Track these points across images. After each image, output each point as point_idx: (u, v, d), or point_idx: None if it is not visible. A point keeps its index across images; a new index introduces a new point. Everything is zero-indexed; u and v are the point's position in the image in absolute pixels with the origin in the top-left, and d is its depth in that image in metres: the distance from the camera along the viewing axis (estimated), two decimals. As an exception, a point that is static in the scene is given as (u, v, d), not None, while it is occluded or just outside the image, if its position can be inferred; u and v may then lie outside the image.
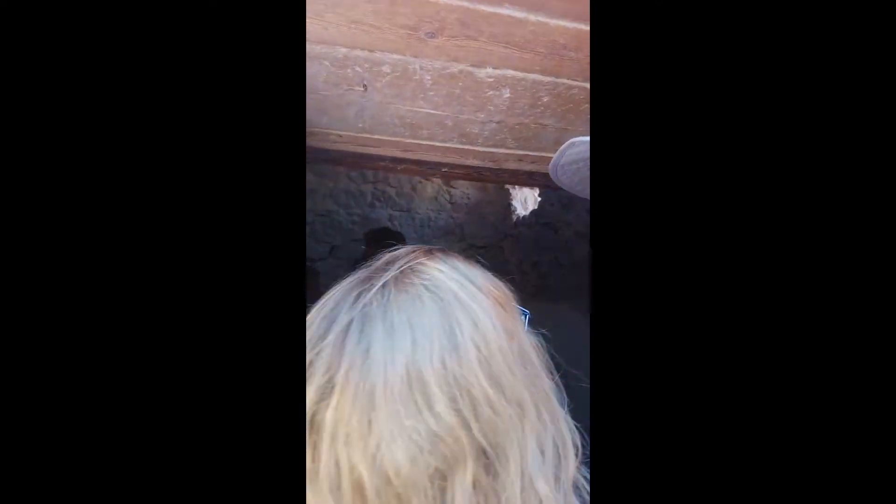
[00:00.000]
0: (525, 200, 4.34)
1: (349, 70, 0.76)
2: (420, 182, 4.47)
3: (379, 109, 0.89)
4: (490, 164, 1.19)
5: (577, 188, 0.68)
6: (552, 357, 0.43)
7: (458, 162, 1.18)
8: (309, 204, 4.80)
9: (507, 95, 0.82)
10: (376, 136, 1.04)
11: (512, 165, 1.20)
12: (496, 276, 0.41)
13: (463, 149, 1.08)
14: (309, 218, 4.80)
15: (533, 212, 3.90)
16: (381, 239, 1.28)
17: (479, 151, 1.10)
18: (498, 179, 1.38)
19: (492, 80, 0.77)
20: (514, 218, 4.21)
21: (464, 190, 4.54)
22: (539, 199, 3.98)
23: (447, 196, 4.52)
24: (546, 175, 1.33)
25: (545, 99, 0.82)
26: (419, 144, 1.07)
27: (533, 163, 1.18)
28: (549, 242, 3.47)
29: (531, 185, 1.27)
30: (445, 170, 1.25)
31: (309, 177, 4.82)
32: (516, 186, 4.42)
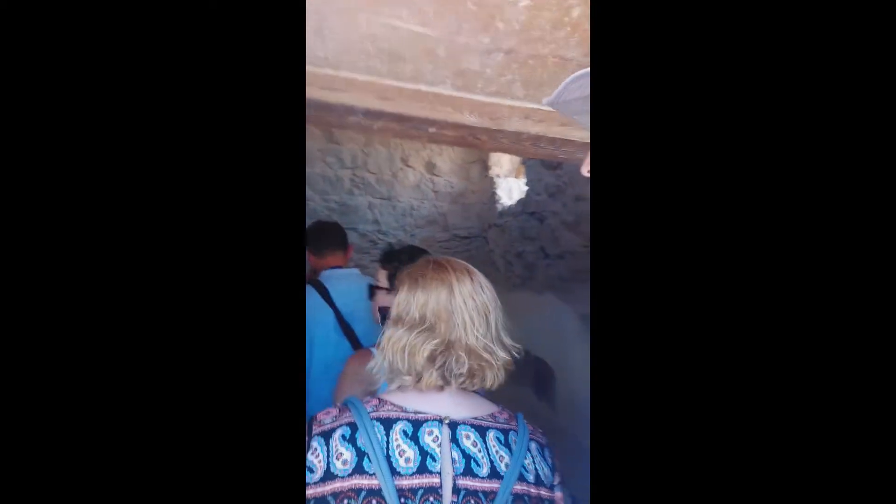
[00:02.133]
0: (510, 190, 4.17)
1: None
2: (402, 169, 4.22)
3: (347, 24, 0.65)
4: (489, 124, 0.96)
5: (585, 121, 0.58)
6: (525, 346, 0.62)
7: (449, 119, 0.94)
8: (281, 190, 4.48)
9: (525, 3, 0.59)
10: (344, 75, 0.79)
11: (515, 125, 0.97)
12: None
13: (458, 97, 0.85)
14: (281, 205, 4.48)
15: (519, 201, 3.73)
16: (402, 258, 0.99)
17: (477, 103, 0.87)
18: (496, 147, 1.16)
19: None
20: (499, 207, 4.03)
21: (447, 178, 4.32)
22: (525, 188, 3.82)
23: (430, 184, 4.29)
24: (553, 141, 1.12)
25: (576, 13, 0.60)
26: (401, 89, 0.83)
27: (541, 122, 0.96)
28: (534, 232, 3.33)
29: (535, 154, 1.04)
30: (433, 130, 1.02)
31: (281, 161, 4.49)
32: (501, 176, 4.24)
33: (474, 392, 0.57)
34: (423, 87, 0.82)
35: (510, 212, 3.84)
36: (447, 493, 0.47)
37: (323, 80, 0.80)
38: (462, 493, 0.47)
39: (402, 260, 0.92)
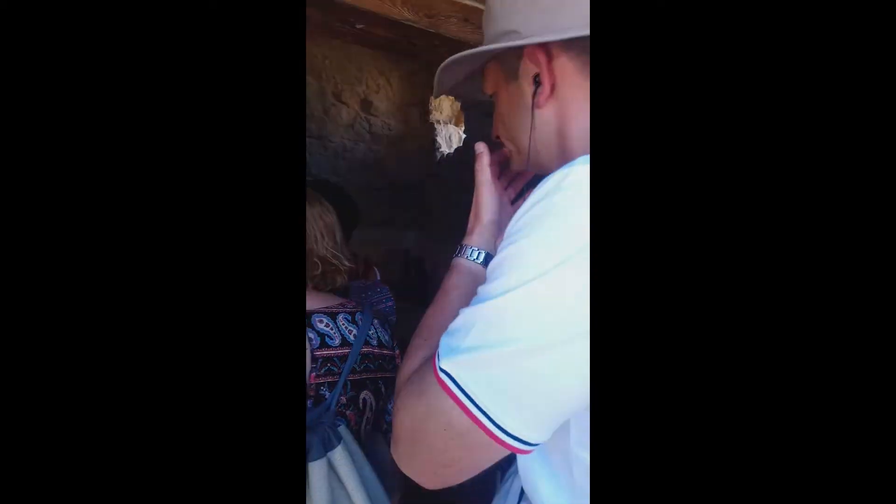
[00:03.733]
0: (449, 137, 4.06)
1: None
2: (334, 105, 3.87)
3: None
4: (425, 24, 0.86)
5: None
6: None
7: (380, 12, 0.83)
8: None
9: None
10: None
11: (454, 30, 0.89)
12: None
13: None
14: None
15: (457, 149, 3.66)
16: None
17: (411, -9, 0.77)
18: (432, 59, 1.06)
19: None
20: (438, 156, 3.93)
21: (384, 119, 4.07)
22: (464, 136, 3.75)
23: (366, 125, 4.01)
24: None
25: None
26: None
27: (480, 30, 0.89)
28: (472, 184, 3.31)
29: (458, 73, 0.94)
30: (361, 26, 0.89)
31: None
32: (441, 122, 4.10)
33: (328, 291, 0.76)
34: (349, -39, 0.70)
35: (448, 160, 3.76)
36: (308, 363, 0.65)
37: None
38: (320, 360, 0.66)
39: None
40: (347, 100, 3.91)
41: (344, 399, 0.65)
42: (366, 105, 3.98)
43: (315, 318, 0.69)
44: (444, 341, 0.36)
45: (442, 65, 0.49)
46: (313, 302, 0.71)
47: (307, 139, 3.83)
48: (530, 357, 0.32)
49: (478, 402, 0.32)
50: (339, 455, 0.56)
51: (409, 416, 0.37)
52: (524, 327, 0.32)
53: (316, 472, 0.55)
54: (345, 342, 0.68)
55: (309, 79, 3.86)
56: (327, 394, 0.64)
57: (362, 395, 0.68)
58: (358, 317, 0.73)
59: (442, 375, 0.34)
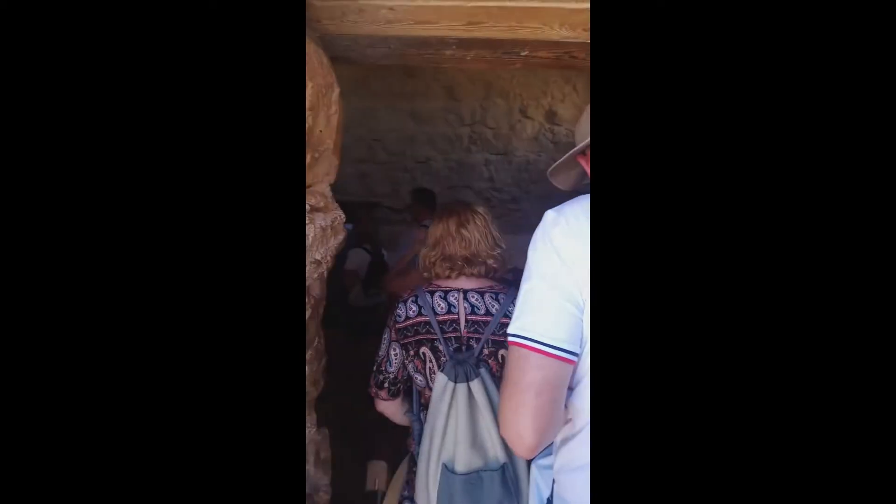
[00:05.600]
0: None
1: None
2: (520, 121, 4.10)
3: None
4: (582, 36, 0.89)
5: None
6: None
7: (540, 38, 0.91)
8: (408, 151, 4.84)
9: None
10: (433, 3, 0.84)
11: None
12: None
13: (545, 7, 0.82)
14: (409, 164, 4.86)
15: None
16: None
17: (566, 11, 0.82)
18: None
19: None
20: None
21: (568, 127, 4.04)
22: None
23: (549, 135, 4.08)
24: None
25: None
26: (488, 9, 0.84)
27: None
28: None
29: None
30: (525, 53, 0.99)
31: (409, 123, 4.82)
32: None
33: (483, 276, 1.00)
34: (509, 3, 0.81)
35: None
36: (462, 321, 0.93)
37: (414, 12, 0.86)
38: (470, 322, 0.93)
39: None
40: (533, 114, 4.08)
41: (486, 351, 0.91)
42: (550, 115, 4.05)
43: (469, 294, 0.96)
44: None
45: (549, 170, 0.81)
46: (470, 283, 0.98)
47: (492, 156, 4.17)
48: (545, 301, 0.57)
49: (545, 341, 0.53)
50: (476, 384, 0.83)
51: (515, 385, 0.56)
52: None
53: (459, 391, 0.82)
54: (488, 312, 0.93)
55: (497, 100, 4.22)
56: (475, 345, 0.91)
57: (500, 352, 0.91)
58: (501, 296, 0.96)
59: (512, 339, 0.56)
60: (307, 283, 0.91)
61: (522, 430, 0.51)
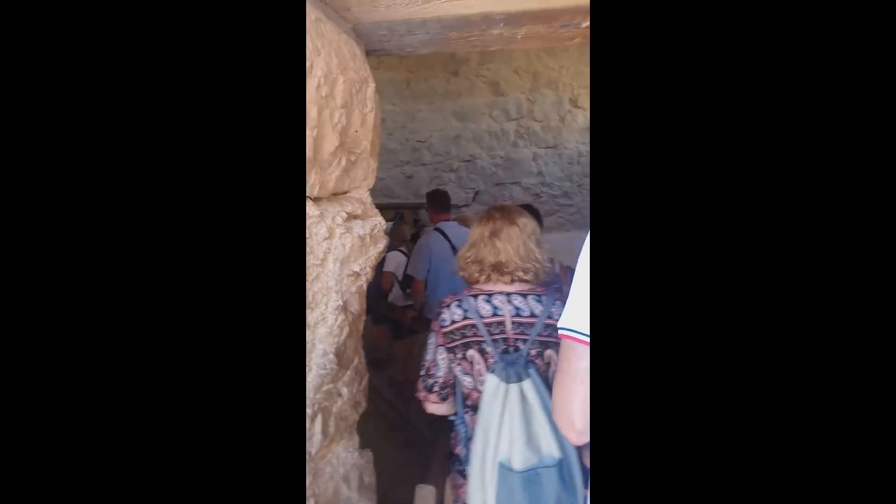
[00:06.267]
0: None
1: None
2: (570, 111, 3.85)
3: None
4: None
5: None
6: None
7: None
8: (454, 150, 4.76)
9: None
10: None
11: None
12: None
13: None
14: (454, 165, 4.78)
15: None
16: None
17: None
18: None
19: None
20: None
21: (625, 114, 3.72)
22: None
23: (603, 124, 3.79)
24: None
25: None
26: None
27: None
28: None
29: None
30: (586, 24, 0.84)
31: (453, 122, 4.74)
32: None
33: (525, 280, 1.00)
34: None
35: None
36: (508, 323, 0.94)
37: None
38: (516, 324, 0.94)
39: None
40: (584, 103, 3.81)
41: (534, 352, 0.92)
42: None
43: (512, 297, 0.96)
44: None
45: None
46: (512, 286, 0.97)
47: (541, 149, 3.95)
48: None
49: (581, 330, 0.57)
50: (527, 384, 0.85)
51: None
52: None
53: (512, 392, 0.84)
54: (532, 314, 0.95)
55: (546, 91, 4.00)
56: (522, 346, 0.91)
57: (546, 352, 0.92)
58: (543, 298, 0.97)
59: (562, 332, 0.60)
60: (344, 298, 0.83)
61: (572, 415, 0.57)
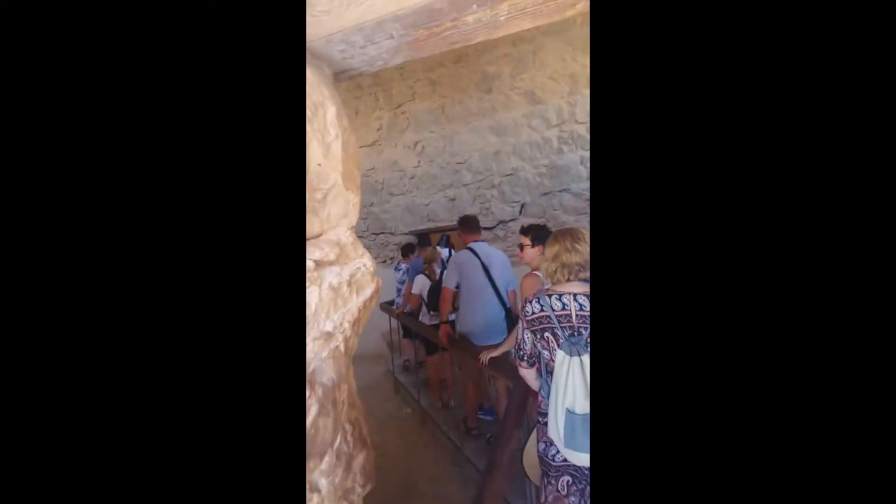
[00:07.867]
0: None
1: None
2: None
3: None
4: None
5: None
6: None
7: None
8: (494, 166, 4.60)
9: None
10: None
11: None
12: None
13: None
14: (495, 181, 4.61)
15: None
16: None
17: None
18: None
19: None
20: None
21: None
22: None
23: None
24: None
25: None
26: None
27: None
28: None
29: None
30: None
31: (491, 139, 4.60)
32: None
33: (583, 281, 1.32)
34: None
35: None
36: (574, 315, 1.25)
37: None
38: (579, 315, 1.25)
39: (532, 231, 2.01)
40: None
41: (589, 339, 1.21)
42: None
43: (577, 296, 1.24)
44: None
45: None
46: (577, 287, 1.26)
47: (588, 152, 3.62)
48: None
49: None
50: (585, 357, 1.17)
51: None
52: None
53: (574, 362, 1.17)
54: (582, 309, 1.24)
55: (586, 91, 3.70)
56: (584, 332, 1.21)
57: None
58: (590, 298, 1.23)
59: None
60: (311, 367, 0.67)
61: None
